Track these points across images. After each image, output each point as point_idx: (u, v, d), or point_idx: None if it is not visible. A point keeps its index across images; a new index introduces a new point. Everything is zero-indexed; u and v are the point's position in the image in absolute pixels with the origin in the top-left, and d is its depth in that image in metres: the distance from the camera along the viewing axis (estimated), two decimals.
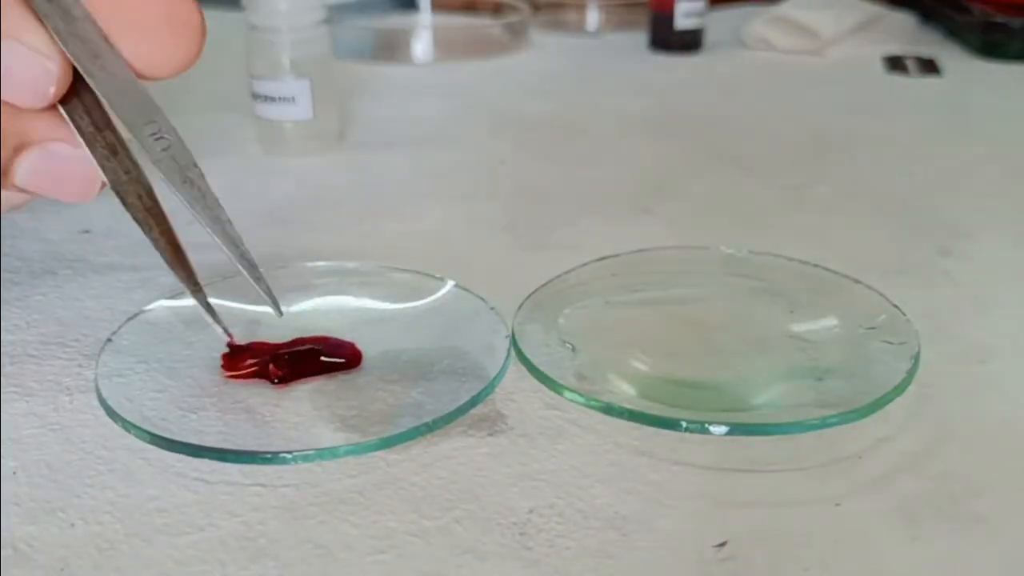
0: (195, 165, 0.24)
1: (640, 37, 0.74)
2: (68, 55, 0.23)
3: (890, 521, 0.22)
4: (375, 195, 0.42)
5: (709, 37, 0.73)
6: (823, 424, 0.24)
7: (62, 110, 0.24)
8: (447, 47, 0.70)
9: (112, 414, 0.25)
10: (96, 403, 0.26)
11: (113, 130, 0.24)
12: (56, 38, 0.22)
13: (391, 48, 0.69)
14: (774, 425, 0.25)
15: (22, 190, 0.25)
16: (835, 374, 0.27)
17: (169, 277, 0.33)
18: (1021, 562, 0.21)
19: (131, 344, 0.28)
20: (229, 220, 0.24)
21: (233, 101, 0.52)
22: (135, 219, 0.24)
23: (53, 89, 0.23)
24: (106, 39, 0.23)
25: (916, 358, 0.27)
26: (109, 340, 0.28)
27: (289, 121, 0.46)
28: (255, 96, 0.46)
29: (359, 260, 0.33)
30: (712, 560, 0.21)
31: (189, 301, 0.30)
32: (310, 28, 0.45)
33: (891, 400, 0.25)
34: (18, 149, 0.24)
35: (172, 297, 0.31)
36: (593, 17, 0.79)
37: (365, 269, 0.33)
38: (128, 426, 0.24)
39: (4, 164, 0.24)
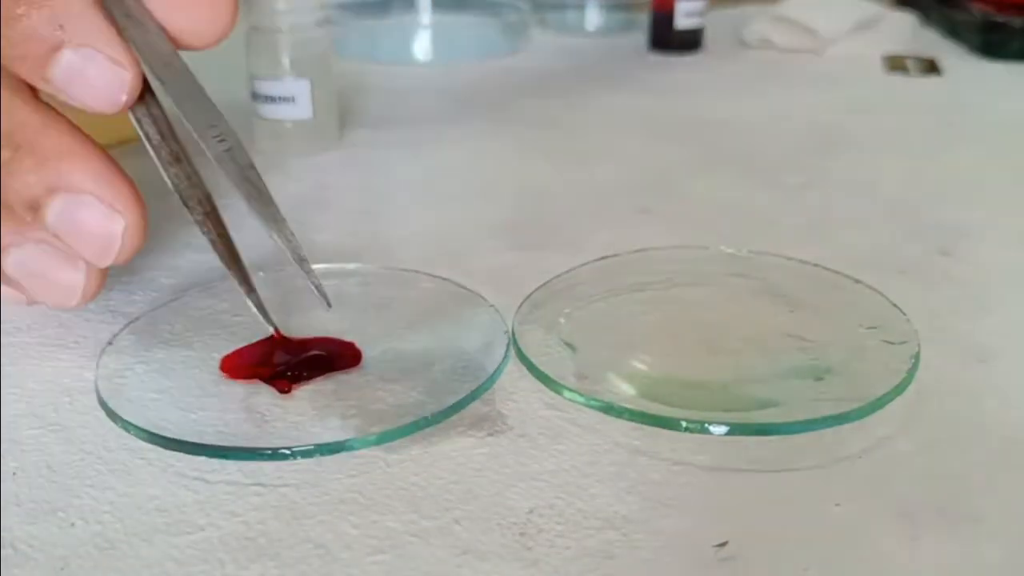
0: (252, 166, 0.26)
1: (640, 37, 0.74)
2: (143, 64, 0.24)
3: (890, 521, 0.22)
4: (375, 195, 0.42)
5: (709, 37, 0.73)
6: (823, 424, 0.25)
7: (132, 119, 0.26)
8: (447, 47, 0.70)
9: (112, 415, 0.25)
10: (96, 404, 0.26)
11: (177, 140, 0.26)
12: (132, 47, 0.24)
13: (391, 48, 0.69)
14: (774, 425, 0.25)
15: (43, 240, 0.26)
16: (835, 374, 0.27)
17: (170, 279, 0.33)
18: (1021, 562, 0.21)
19: (131, 345, 0.28)
20: (284, 217, 0.26)
21: (233, 101, 0.52)
22: (195, 221, 0.27)
23: (125, 97, 0.24)
24: (175, 50, 0.25)
25: (916, 358, 0.27)
26: (109, 341, 0.28)
27: (289, 121, 0.46)
28: (255, 96, 0.46)
29: (359, 260, 0.33)
30: (712, 560, 0.21)
31: (189, 302, 0.30)
32: (310, 28, 0.45)
33: (891, 400, 0.25)
34: (53, 190, 0.25)
35: (172, 299, 0.31)
36: (593, 17, 0.79)
37: (365, 269, 0.33)
38: (128, 426, 0.24)
39: (38, 200, 0.25)
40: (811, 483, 0.23)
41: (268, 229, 0.26)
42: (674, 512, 0.22)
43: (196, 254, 0.35)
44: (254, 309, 0.27)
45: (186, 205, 0.26)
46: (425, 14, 0.76)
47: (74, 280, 0.26)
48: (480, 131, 0.53)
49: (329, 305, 0.27)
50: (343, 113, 0.52)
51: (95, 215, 0.25)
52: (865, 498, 0.23)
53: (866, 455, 0.24)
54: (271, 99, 0.46)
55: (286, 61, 0.45)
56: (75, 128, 0.25)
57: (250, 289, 0.27)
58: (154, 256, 0.35)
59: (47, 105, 0.25)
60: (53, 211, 0.25)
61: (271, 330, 0.28)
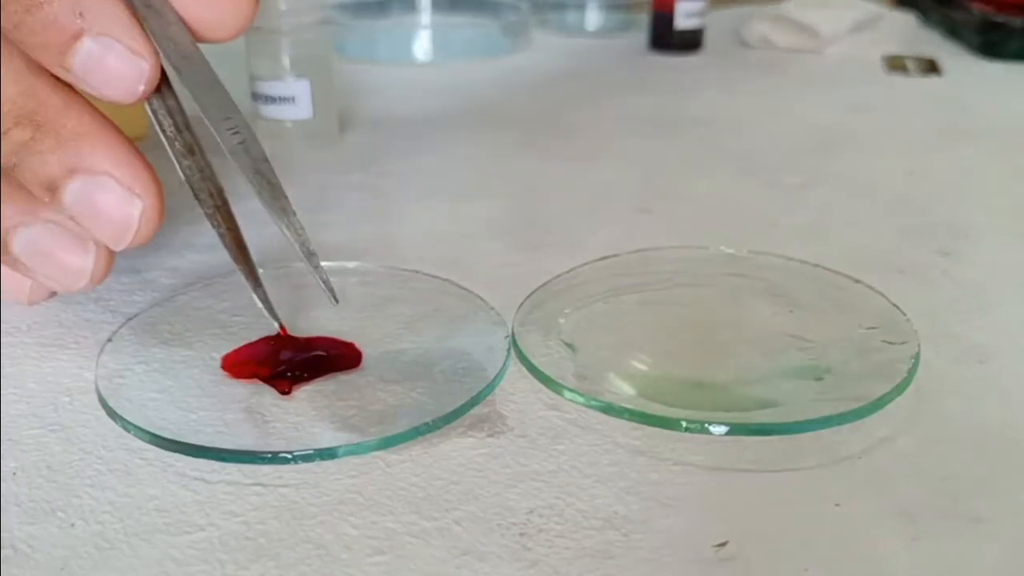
0: (266, 160, 0.26)
1: (640, 37, 0.74)
2: (161, 54, 0.24)
3: (890, 521, 0.22)
4: (375, 195, 0.42)
5: (709, 37, 0.73)
6: (823, 424, 0.25)
7: (148, 110, 0.26)
8: (447, 47, 0.70)
9: (112, 414, 0.25)
10: (96, 404, 0.26)
11: (192, 132, 0.26)
12: (151, 38, 0.24)
13: (391, 48, 0.69)
14: (774, 425, 0.25)
15: (53, 220, 0.26)
16: (835, 374, 0.27)
17: (170, 279, 0.33)
18: (1021, 562, 0.21)
19: (131, 345, 0.28)
20: (294, 211, 0.26)
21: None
22: (206, 214, 0.27)
23: (143, 87, 0.24)
24: (194, 42, 0.25)
25: (916, 358, 0.27)
26: (109, 340, 0.28)
27: (289, 121, 0.46)
28: (255, 96, 0.46)
29: (359, 260, 0.33)
30: (712, 560, 0.21)
31: (189, 302, 0.30)
32: (310, 28, 0.45)
33: (891, 400, 0.25)
34: (71, 171, 0.25)
35: (172, 299, 0.31)
36: (593, 17, 0.79)
37: (365, 269, 0.33)
38: (128, 426, 0.24)
39: (55, 181, 0.25)
40: (811, 483, 0.23)
41: (279, 222, 0.26)
42: (674, 512, 0.22)
43: (196, 254, 0.35)
44: (260, 305, 0.27)
45: (197, 198, 0.26)
46: (425, 14, 0.77)
47: (83, 262, 0.26)
48: (480, 131, 0.53)
49: (336, 301, 0.27)
50: (343, 113, 0.52)
51: (113, 197, 0.25)
52: (865, 498, 0.23)
53: (866, 455, 0.24)
54: (271, 99, 0.46)
55: (286, 61, 0.45)
56: (96, 110, 0.25)
57: (257, 284, 0.27)
58: (154, 256, 0.35)
59: (68, 86, 0.25)
60: (71, 192, 0.24)
61: (275, 327, 0.28)
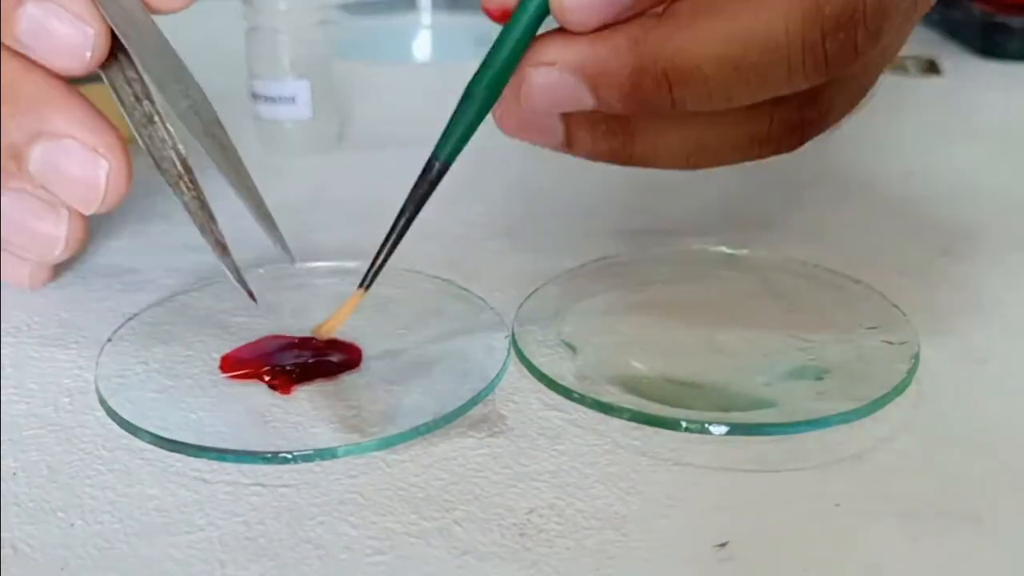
0: (218, 122, 0.26)
1: None
2: (108, 21, 0.24)
3: (890, 521, 0.22)
4: (375, 195, 0.42)
5: None
6: (823, 424, 0.25)
7: (105, 79, 0.25)
8: (447, 47, 0.70)
9: (112, 414, 0.25)
10: (96, 404, 0.26)
11: (152, 101, 0.26)
12: (98, 5, 0.24)
13: (391, 48, 0.69)
14: (774, 425, 0.25)
15: (21, 188, 0.25)
16: (835, 374, 0.27)
17: (170, 279, 0.33)
18: (1021, 562, 0.21)
19: (131, 345, 0.28)
20: (248, 172, 0.26)
21: (233, 101, 0.52)
22: (168, 183, 0.26)
23: (89, 53, 0.24)
24: (143, 8, 0.25)
25: (916, 358, 0.27)
26: (109, 340, 0.28)
27: (289, 121, 0.46)
28: (255, 96, 0.46)
29: (359, 260, 0.33)
30: (712, 560, 0.21)
31: (189, 302, 0.30)
32: (310, 28, 0.45)
33: (891, 400, 0.25)
34: (34, 137, 0.24)
35: (172, 299, 0.31)
36: None
37: (365, 269, 0.33)
38: (128, 426, 0.24)
39: (19, 148, 0.25)
40: (811, 483, 0.23)
41: (231, 183, 0.26)
42: (674, 512, 0.22)
43: (196, 254, 0.35)
44: (229, 274, 0.27)
45: (159, 167, 0.26)
46: (425, 14, 0.76)
47: (56, 229, 0.26)
48: (479, 131, 0.52)
49: (294, 261, 0.27)
50: (343, 113, 0.52)
51: (77, 159, 0.25)
52: (865, 498, 0.23)
53: (866, 455, 0.24)
54: (271, 99, 0.46)
55: (286, 61, 0.45)
56: (55, 75, 0.25)
57: (224, 252, 0.26)
58: (154, 256, 0.35)
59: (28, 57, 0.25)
60: (35, 157, 0.25)
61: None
